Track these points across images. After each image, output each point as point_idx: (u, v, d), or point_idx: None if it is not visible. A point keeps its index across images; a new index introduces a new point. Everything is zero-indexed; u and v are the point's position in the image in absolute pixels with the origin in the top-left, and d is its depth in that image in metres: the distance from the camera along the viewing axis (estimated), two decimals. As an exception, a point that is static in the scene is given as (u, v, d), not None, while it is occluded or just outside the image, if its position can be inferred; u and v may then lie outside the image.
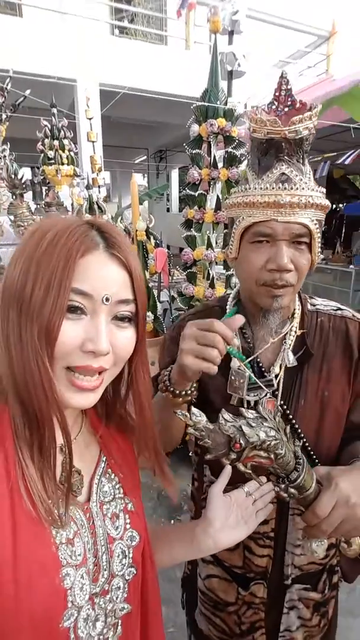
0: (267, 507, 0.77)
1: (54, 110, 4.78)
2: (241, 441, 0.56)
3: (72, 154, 5.00)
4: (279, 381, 0.83)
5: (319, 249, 0.79)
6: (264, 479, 0.74)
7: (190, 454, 2.78)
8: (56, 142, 4.89)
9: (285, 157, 0.75)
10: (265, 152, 0.76)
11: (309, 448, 0.83)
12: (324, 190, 0.79)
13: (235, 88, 3.18)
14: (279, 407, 0.83)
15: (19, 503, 0.49)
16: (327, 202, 0.77)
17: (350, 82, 3.40)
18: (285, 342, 0.85)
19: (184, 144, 2.65)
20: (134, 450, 0.70)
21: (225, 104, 2.49)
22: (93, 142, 4.78)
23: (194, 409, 0.58)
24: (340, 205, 10.82)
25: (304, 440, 0.82)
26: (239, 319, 0.72)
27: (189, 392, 0.79)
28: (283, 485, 0.63)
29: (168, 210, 14.77)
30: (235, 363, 0.84)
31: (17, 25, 6.13)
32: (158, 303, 2.85)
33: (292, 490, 0.63)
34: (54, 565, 0.51)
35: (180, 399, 0.78)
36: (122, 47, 6.94)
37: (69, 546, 0.53)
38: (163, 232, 3.61)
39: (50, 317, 0.47)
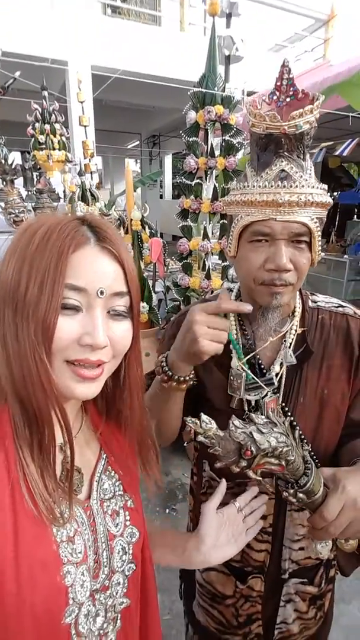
0: (258, 524, 0.81)
1: (45, 93, 4.65)
2: (252, 448, 0.54)
3: (63, 138, 4.88)
4: (280, 379, 0.83)
5: (319, 247, 0.78)
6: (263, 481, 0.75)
7: (184, 444, 2.81)
8: (47, 127, 4.77)
9: (285, 152, 0.72)
10: (264, 147, 0.74)
11: (308, 445, 0.83)
12: (325, 186, 0.77)
13: (231, 73, 3.11)
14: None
15: (19, 502, 0.49)
16: (328, 200, 0.75)
17: (348, 69, 3.35)
18: (285, 341, 0.84)
19: (180, 131, 2.59)
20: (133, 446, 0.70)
21: (223, 90, 2.43)
22: (85, 126, 4.67)
23: (203, 416, 0.57)
24: (335, 193, 10.78)
25: (300, 432, 0.82)
26: (247, 306, 0.77)
27: (190, 376, 0.81)
28: (292, 491, 0.63)
29: (161, 197, 14.61)
30: (235, 363, 0.83)
31: (7, 4, 5.89)
32: (153, 293, 2.83)
33: (300, 495, 0.62)
34: (54, 563, 0.51)
35: (183, 384, 0.80)
36: (115, 28, 6.73)
37: (69, 544, 0.54)
38: (156, 220, 3.57)
39: (45, 314, 0.47)
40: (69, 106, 6.35)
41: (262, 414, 0.61)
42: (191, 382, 0.82)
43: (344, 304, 0.91)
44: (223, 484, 0.79)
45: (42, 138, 4.72)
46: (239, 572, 0.91)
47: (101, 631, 0.57)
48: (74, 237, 0.50)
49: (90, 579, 0.56)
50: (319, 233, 0.76)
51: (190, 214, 2.60)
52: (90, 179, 4.35)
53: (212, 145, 2.46)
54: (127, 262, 0.55)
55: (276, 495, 0.85)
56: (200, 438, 0.56)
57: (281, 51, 8.34)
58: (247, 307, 0.77)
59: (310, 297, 0.92)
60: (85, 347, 0.50)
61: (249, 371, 0.83)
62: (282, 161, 0.72)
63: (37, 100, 4.57)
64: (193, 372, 0.82)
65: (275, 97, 0.76)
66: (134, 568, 0.63)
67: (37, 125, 4.71)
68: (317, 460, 0.82)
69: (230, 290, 0.95)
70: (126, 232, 2.91)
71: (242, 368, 0.83)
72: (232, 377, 0.84)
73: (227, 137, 2.48)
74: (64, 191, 4.63)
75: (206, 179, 2.57)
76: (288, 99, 0.74)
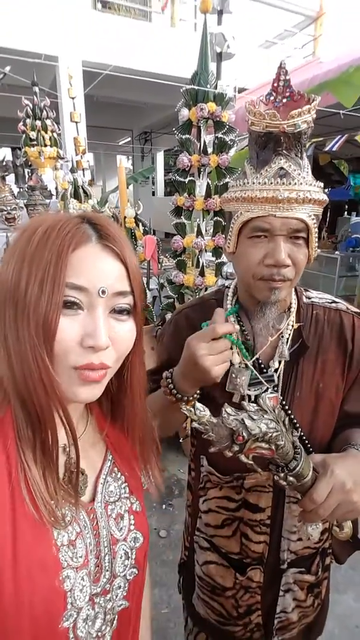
0: None
1: (36, 89, 4.60)
2: (244, 434, 0.57)
3: (55, 135, 4.85)
4: (279, 375, 0.85)
5: (316, 243, 0.80)
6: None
7: (180, 440, 2.82)
8: (38, 123, 4.73)
9: (284, 151, 0.74)
10: (263, 145, 0.76)
11: (304, 437, 0.85)
12: (322, 184, 0.79)
13: (223, 70, 3.11)
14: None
15: (20, 505, 0.48)
16: (324, 197, 0.77)
17: (338, 66, 3.37)
18: (282, 336, 0.86)
19: (173, 129, 2.59)
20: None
21: (215, 87, 2.44)
22: (76, 122, 4.63)
23: (197, 404, 0.59)
24: (326, 190, 10.85)
25: (297, 425, 0.84)
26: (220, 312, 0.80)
27: (195, 395, 0.82)
28: (282, 474, 0.66)
29: (153, 194, 14.56)
30: (236, 358, 0.85)
31: (-6, -2, 5.81)
32: (147, 291, 2.83)
33: (290, 478, 0.65)
34: (54, 567, 0.50)
35: (190, 402, 0.81)
36: (105, 23, 6.68)
37: (70, 548, 0.53)
38: (149, 217, 3.56)
39: (46, 313, 0.46)
40: (60, 102, 6.29)
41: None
42: (193, 402, 0.82)
43: (336, 300, 0.93)
44: None
45: (33, 134, 4.68)
46: (238, 563, 0.93)
47: (99, 633, 0.57)
48: (74, 235, 0.49)
49: (90, 583, 0.55)
50: (316, 230, 0.78)
51: (183, 211, 2.61)
52: (83, 175, 4.33)
53: (205, 142, 2.46)
54: (130, 260, 0.54)
55: (274, 489, 0.87)
56: (195, 425, 0.59)
57: (271, 48, 8.36)
58: (236, 327, 0.80)
59: (304, 294, 0.93)
60: (87, 349, 0.49)
61: (254, 370, 0.84)
62: (281, 159, 0.74)
63: (28, 96, 4.52)
64: (198, 391, 0.84)
65: (272, 98, 0.77)
66: (136, 573, 0.63)
67: (28, 121, 4.67)
68: (312, 450, 0.84)
69: (227, 287, 0.96)
70: (119, 229, 2.90)
71: (247, 366, 0.85)
72: (233, 375, 0.85)
73: (219, 135, 2.48)
74: (56, 188, 4.60)
75: (199, 176, 2.58)
76: (285, 100, 0.76)
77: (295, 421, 0.85)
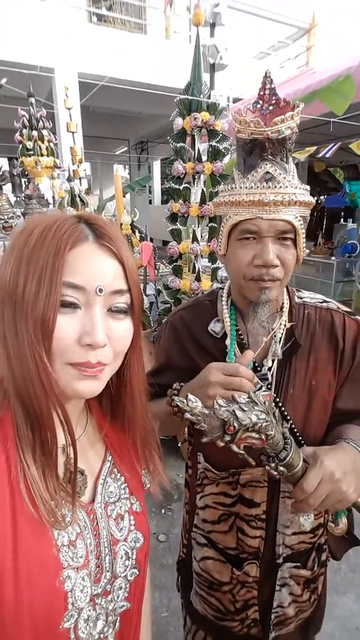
0: None
1: (32, 100, 4.67)
2: (235, 424, 0.59)
3: (51, 145, 4.90)
4: (272, 373, 0.87)
5: (304, 244, 0.83)
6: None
7: (179, 444, 2.83)
8: (35, 133, 4.78)
9: (269, 156, 0.77)
10: (249, 152, 0.79)
11: (297, 432, 0.87)
12: (308, 187, 0.82)
13: (217, 80, 3.18)
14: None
15: (19, 504, 0.48)
16: (310, 199, 0.80)
17: (330, 77, 3.45)
18: (275, 336, 0.88)
19: (167, 137, 2.64)
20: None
21: (209, 97, 2.49)
22: (73, 132, 4.70)
23: (190, 396, 0.61)
24: (322, 197, 10.96)
25: (292, 423, 0.86)
26: (249, 356, 0.77)
27: None
28: (273, 464, 0.68)
29: (150, 202, 14.66)
30: (232, 358, 0.87)
31: (-8, 12, 5.92)
32: (144, 296, 2.85)
33: (281, 468, 0.68)
34: (54, 567, 0.50)
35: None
36: (101, 36, 6.80)
37: (70, 548, 0.53)
38: (145, 224, 3.61)
39: (44, 312, 0.47)
40: (56, 113, 6.38)
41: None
42: None
43: (327, 299, 0.96)
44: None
45: (30, 144, 4.73)
46: (235, 558, 0.94)
47: (101, 635, 0.57)
48: (71, 235, 0.49)
49: (91, 584, 0.55)
50: (303, 231, 0.80)
51: (179, 217, 2.65)
52: (79, 184, 4.38)
53: (199, 150, 2.51)
54: (127, 259, 0.54)
55: (269, 484, 0.89)
56: (187, 415, 0.60)
57: (265, 59, 8.51)
58: (249, 359, 0.77)
59: (296, 294, 0.96)
60: (85, 347, 0.49)
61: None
62: (266, 164, 0.77)
63: (24, 107, 4.59)
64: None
65: (259, 106, 0.81)
66: (137, 573, 0.63)
67: (24, 131, 4.72)
68: (304, 445, 0.86)
69: (221, 288, 0.99)
70: (117, 237, 2.94)
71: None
72: None
73: (213, 143, 2.54)
74: (53, 197, 4.65)
75: (194, 183, 2.63)
76: (271, 107, 0.79)
77: (287, 416, 0.87)
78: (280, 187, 0.76)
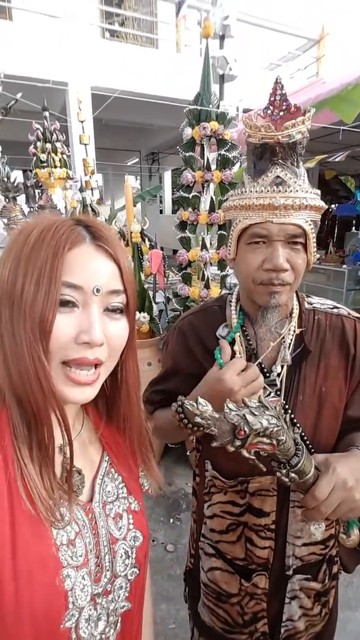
0: None
1: (46, 114, 4.78)
2: (245, 428, 0.58)
3: (64, 156, 5.00)
4: (281, 379, 0.86)
5: (315, 249, 0.82)
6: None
7: (187, 453, 2.80)
8: (48, 145, 4.89)
9: (280, 160, 0.77)
10: (260, 156, 0.79)
11: (307, 442, 0.85)
12: (319, 191, 0.81)
13: (226, 91, 3.22)
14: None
15: (17, 503, 0.48)
16: (321, 204, 0.80)
17: (340, 85, 3.46)
18: (284, 341, 0.87)
19: (177, 147, 2.68)
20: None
21: (218, 107, 2.52)
22: (85, 144, 4.79)
23: (200, 399, 0.61)
24: (333, 206, 10.93)
25: (302, 430, 0.85)
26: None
27: None
28: (284, 471, 0.66)
29: (161, 212, 14.79)
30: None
31: (8, 29, 6.11)
32: (154, 304, 2.86)
33: (292, 474, 0.66)
34: (54, 566, 0.50)
35: (199, 432, 0.81)
36: (113, 50, 6.96)
37: (69, 547, 0.53)
38: (156, 234, 3.64)
39: (42, 311, 0.47)
40: (69, 125, 6.51)
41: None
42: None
43: (338, 305, 0.95)
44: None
45: (43, 156, 4.83)
46: (243, 569, 0.92)
47: (103, 635, 0.57)
48: (69, 236, 0.50)
49: (91, 583, 0.55)
50: (314, 235, 0.80)
51: (188, 225, 2.66)
52: (91, 195, 4.44)
53: (208, 159, 2.54)
54: (123, 260, 0.55)
55: (279, 492, 0.87)
56: (197, 419, 0.60)
57: (275, 70, 8.59)
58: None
59: (306, 299, 0.95)
60: (82, 345, 0.50)
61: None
62: (277, 168, 0.77)
63: (39, 120, 4.70)
64: None
65: (269, 112, 0.81)
66: (137, 572, 0.62)
67: (38, 144, 4.83)
68: (313, 452, 0.84)
69: (230, 294, 0.98)
70: (126, 245, 2.97)
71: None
72: None
73: (222, 152, 2.56)
74: (65, 207, 4.72)
75: (203, 191, 2.64)
76: (282, 113, 0.79)
77: (297, 423, 0.85)
78: (291, 191, 0.76)
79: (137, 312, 2.75)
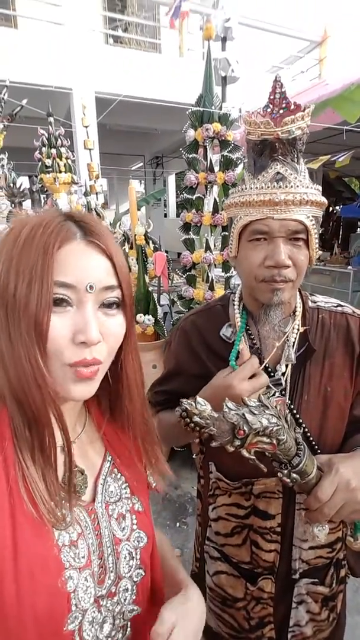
0: None
1: (51, 119, 4.82)
2: (245, 428, 0.57)
3: (69, 161, 5.04)
4: (286, 379, 0.85)
5: (317, 245, 0.81)
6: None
7: (193, 456, 2.78)
8: (53, 151, 4.93)
9: (280, 156, 0.76)
10: (260, 153, 0.78)
11: (313, 442, 0.84)
12: (320, 187, 0.81)
13: (229, 93, 3.22)
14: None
15: (19, 505, 0.48)
16: (322, 199, 0.79)
17: (342, 86, 3.45)
18: (288, 340, 0.86)
19: (180, 149, 2.68)
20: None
21: (220, 109, 2.53)
22: (90, 149, 4.83)
23: (199, 398, 0.60)
24: (337, 207, 10.89)
25: (306, 429, 0.83)
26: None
27: None
28: (286, 471, 0.65)
29: (165, 215, 14.83)
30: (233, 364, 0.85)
31: (12, 37, 6.20)
32: (158, 307, 2.86)
33: (294, 475, 0.65)
34: (56, 568, 0.50)
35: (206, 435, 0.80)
36: (117, 56, 7.02)
37: (72, 548, 0.52)
38: (161, 238, 3.65)
39: (37, 312, 0.47)
40: (74, 131, 6.57)
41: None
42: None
43: (342, 303, 0.93)
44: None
45: (48, 162, 4.87)
46: (249, 573, 0.90)
47: (109, 638, 0.56)
48: (59, 233, 0.49)
49: (94, 584, 0.54)
50: (316, 231, 0.79)
51: (192, 227, 2.66)
52: (96, 199, 4.47)
53: (211, 161, 2.54)
54: (116, 255, 0.54)
55: (284, 495, 0.85)
56: (196, 419, 0.59)
57: (277, 72, 8.59)
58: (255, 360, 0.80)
59: (309, 298, 0.94)
60: (79, 345, 0.49)
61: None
62: (277, 164, 0.76)
63: (44, 126, 4.75)
64: None
65: (269, 110, 0.80)
66: (143, 574, 0.61)
67: (43, 149, 4.87)
68: (319, 453, 0.83)
69: (233, 293, 0.97)
70: (131, 248, 2.98)
71: None
72: None
73: (225, 153, 2.56)
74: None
75: (207, 193, 2.64)
76: (281, 111, 0.79)
77: (303, 425, 0.84)
78: (292, 186, 0.75)
79: (142, 315, 2.75)
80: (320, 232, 0.82)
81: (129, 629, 0.60)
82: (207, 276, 2.64)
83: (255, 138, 0.77)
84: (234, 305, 0.93)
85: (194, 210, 2.62)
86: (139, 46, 8.17)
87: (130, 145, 11.58)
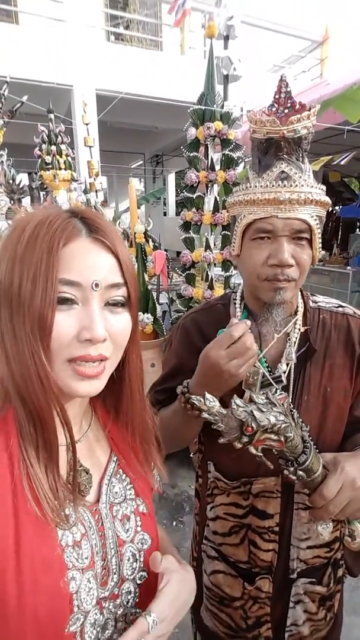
0: None
1: (51, 116, 4.81)
2: (253, 425, 0.58)
3: (69, 159, 5.02)
4: (287, 377, 0.84)
5: (320, 245, 0.81)
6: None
7: (191, 455, 2.79)
8: (53, 148, 4.91)
9: (285, 155, 0.76)
10: (265, 151, 0.78)
11: (313, 442, 0.84)
12: (324, 187, 0.80)
13: (231, 92, 3.22)
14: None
15: (22, 504, 0.48)
16: (326, 199, 0.79)
17: (344, 86, 3.45)
18: (289, 339, 0.86)
19: (182, 148, 2.68)
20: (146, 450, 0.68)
21: (222, 107, 2.52)
22: (90, 147, 4.81)
23: (207, 395, 0.60)
24: (337, 207, 10.89)
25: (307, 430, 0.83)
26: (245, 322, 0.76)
27: None
28: (292, 468, 0.66)
29: (165, 214, 14.82)
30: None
31: (14, 33, 6.17)
32: (157, 305, 2.86)
33: (300, 472, 0.66)
34: (58, 568, 0.49)
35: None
36: (118, 53, 6.99)
37: (75, 549, 0.52)
38: (160, 236, 3.65)
39: (41, 310, 0.46)
40: (74, 128, 6.55)
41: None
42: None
43: (343, 304, 0.93)
44: None
45: (48, 159, 4.86)
46: (247, 573, 0.90)
47: None
48: (64, 230, 0.48)
49: (97, 586, 0.54)
50: (319, 231, 0.79)
51: (192, 226, 2.66)
52: (96, 197, 4.46)
53: (212, 159, 2.53)
54: (122, 252, 0.53)
55: (282, 494, 0.85)
56: (205, 415, 0.59)
57: (279, 72, 8.59)
58: (247, 322, 0.77)
59: (311, 298, 0.94)
60: (84, 342, 0.49)
61: (264, 370, 0.84)
62: (282, 163, 0.76)
63: (44, 123, 4.73)
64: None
65: (274, 109, 0.80)
66: (146, 576, 0.61)
67: (43, 146, 4.86)
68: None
69: (234, 292, 0.97)
70: (130, 246, 2.97)
71: (258, 365, 0.85)
72: (248, 374, 0.85)
73: (226, 152, 2.55)
74: (70, 208, 4.74)
75: (207, 192, 2.64)
76: (286, 111, 0.78)
77: (302, 423, 0.84)
78: (296, 185, 0.75)
79: (141, 313, 2.75)
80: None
81: None
82: (207, 275, 2.64)
83: (261, 136, 0.77)
84: (235, 304, 0.93)
85: (194, 209, 2.61)
86: (141, 44, 8.15)
87: (130, 143, 11.55)
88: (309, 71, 8.11)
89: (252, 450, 0.60)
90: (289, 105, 0.79)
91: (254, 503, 0.87)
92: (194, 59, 7.11)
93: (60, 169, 4.95)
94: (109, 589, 0.56)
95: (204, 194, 2.65)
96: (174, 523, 2.46)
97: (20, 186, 4.03)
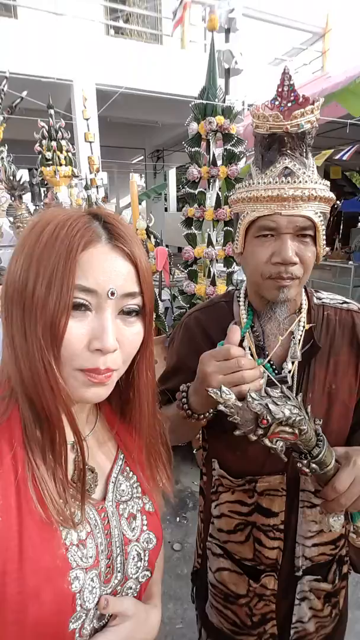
0: None
1: (51, 111, 4.78)
2: (268, 417, 0.59)
3: (69, 154, 5.00)
4: (292, 376, 0.84)
5: (324, 242, 0.80)
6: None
7: (194, 451, 2.79)
8: (54, 143, 4.88)
9: (288, 151, 0.75)
10: (268, 147, 0.77)
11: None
12: (328, 183, 0.79)
13: (232, 85, 3.19)
14: None
15: (26, 504, 0.48)
16: (331, 195, 0.77)
17: (346, 79, 3.42)
18: (294, 337, 0.85)
19: (183, 142, 2.66)
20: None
21: (224, 101, 2.50)
22: (90, 142, 4.79)
23: (223, 387, 0.60)
24: (338, 202, 10.84)
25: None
26: (235, 330, 0.71)
27: (208, 415, 0.79)
28: (305, 461, 0.67)
29: (166, 209, 14.78)
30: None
31: (12, 27, 6.12)
32: (159, 302, 2.85)
33: (313, 465, 0.66)
34: (62, 568, 0.49)
35: (204, 420, 0.80)
36: (118, 47, 6.93)
37: (80, 548, 0.52)
38: (161, 232, 3.64)
39: (54, 315, 0.45)
40: (74, 123, 6.51)
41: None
42: (211, 415, 0.80)
43: (348, 300, 0.92)
44: None
45: (49, 154, 4.84)
46: (252, 570, 0.90)
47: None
48: (83, 235, 0.47)
49: (100, 584, 0.53)
50: (323, 227, 0.78)
51: (194, 221, 2.64)
52: (97, 192, 4.44)
53: (214, 154, 2.51)
54: (141, 261, 0.52)
55: (288, 492, 0.85)
56: (221, 407, 0.60)
57: (280, 65, 8.52)
58: (237, 336, 0.71)
59: (315, 295, 0.93)
60: (94, 352, 0.48)
61: (269, 371, 0.84)
62: (285, 159, 0.75)
63: (44, 118, 4.70)
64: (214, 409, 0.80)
65: (277, 103, 0.79)
66: (149, 576, 0.61)
67: (44, 142, 4.83)
68: None
69: (238, 290, 0.96)
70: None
71: (262, 369, 0.84)
72: None
73: (228, 147, 2.53)
74: (71, 204, 4.72)
75: (209, 187, 2.62)
76: (290, 104, 0.77)
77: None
78: (300, 182, 0.74)
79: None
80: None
81: None
82: (209, 271, 2.62)
83: (264, 132, 0.75)
84: (238, 302, 0.92)
85: (196, 205, 2.60)
86: (140, 37, 8.07)
87: (131, 138, 11.49)
88: (310, 64, 8.03)
89: (267, 442, 0.61)
90: (292, 98, 0.77)
91: (259, 501, 0.87)
92: (195, 53, 7.04)
93: (60, 164, 4.93)
94: (112, 586, 0.56)
95: (206, 189, 2.63)
96: (177, 519, 2.47)
97: (21, 182, 4.02)
